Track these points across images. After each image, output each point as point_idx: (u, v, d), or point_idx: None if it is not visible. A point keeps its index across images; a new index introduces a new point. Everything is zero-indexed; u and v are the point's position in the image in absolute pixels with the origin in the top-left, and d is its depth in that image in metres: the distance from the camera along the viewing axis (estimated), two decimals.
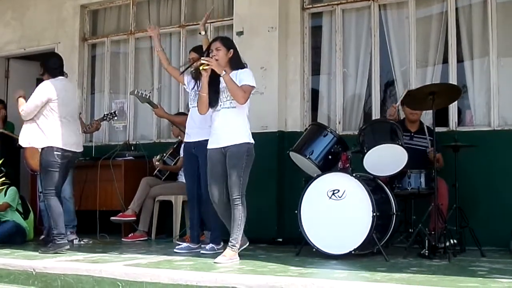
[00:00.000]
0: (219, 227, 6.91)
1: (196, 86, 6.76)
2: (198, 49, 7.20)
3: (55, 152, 7.07)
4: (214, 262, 5.97)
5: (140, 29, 10.07)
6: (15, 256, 6.67)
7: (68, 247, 7.05)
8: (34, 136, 7.16)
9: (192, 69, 6.75)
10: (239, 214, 6.19)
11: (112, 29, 10.43)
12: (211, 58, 6.26)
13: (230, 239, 6.21)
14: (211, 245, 6.88)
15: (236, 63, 6.41)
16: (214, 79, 6.29)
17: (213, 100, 6.33)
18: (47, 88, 7.20)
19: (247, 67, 6.47)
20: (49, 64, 7.41)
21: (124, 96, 10.08)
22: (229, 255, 6.11)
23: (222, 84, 6.29)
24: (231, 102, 6.28)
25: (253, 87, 6.32)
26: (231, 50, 6.37)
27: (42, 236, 8.39)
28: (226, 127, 6.29)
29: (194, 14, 9.68)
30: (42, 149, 7.12)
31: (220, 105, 6.32)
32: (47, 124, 7.13)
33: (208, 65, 6.20)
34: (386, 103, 8.43)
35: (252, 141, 6.34)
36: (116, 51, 10.40)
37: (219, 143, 6.32)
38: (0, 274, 6.04)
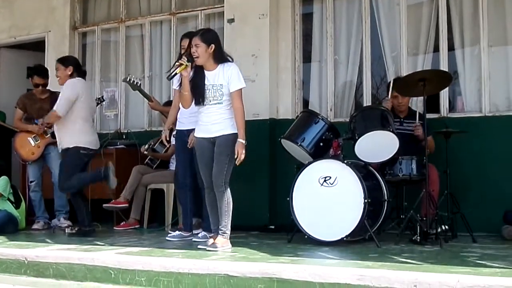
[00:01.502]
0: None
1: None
2: (189, 35, 7.14)
3: (81, 152, 7.42)
4: (207, 250, 5.97)
5: (131, 17, 10.04)
6: (7, 245, 6.67)
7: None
8: (66, 136, 7.46)
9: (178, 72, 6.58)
10: (225, 201, 6.17)
11: (103, 17, 10.39)
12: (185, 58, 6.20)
13: (220, 226, 6.20)
14: (203, 233, 6.88)
15: (220, 57, 6.27)
16: (200, 78, 6.24)
17: (199, 98, 6.25)
18: (77, 86, 7.50)
19: (232, 61, 6.34)
20: (76, 63, 7.70)
21: (115, 85, 10.06)
22: (221, 243, 6.11)
23: (209, 82, 6.21)
24: (217, 101, 6.20)
25: (242, 88, 6.24)
26: (212, 45, 6.17)
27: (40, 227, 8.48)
28: (215, 121, 6.24)
29: (184, 1, 9.65)
30: (68, 149, 7.39)
31: (206, 102, 6.23)
32: (73, 123, 7.42)
33: (186, 66, 6.13)
34: (378, 90, 8.44)
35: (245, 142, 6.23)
36: (107, 40, 10.36)
37: (208, 134, 6.29)
38: None
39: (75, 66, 7.60)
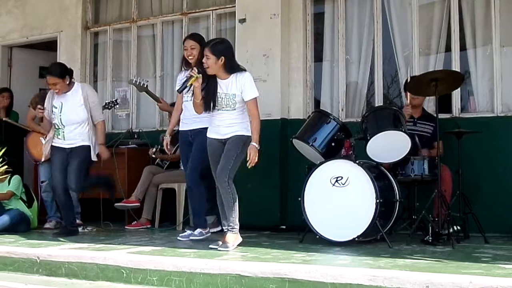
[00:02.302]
0: (204, 212, 7.00)
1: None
2: (192, 37, 7.19)
3: (96, 152, 7.59)
4: (219, 250, 5.99)
5: (143, 17, 10.07)
6: (19, 244, 6.68)
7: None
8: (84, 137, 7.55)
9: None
10: (230, 197, 6.18)
11: (115, 17, 10.42)
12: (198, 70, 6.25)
13: (228, 223, 6.23)
14: (198, 230, 6.92)
15: (231, 67, 6.28)
16: (212, 85, 6.27)
17: (210, 105, 6.28)
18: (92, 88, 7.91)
19: (245, 71, 6.36)
20: (66, 69, 7.62)
21: (127, 84, 10.06)
22: (231, 239, 6.14)
23: (222, 91, 6.25)
24: (230, 106, 6.25)
25: (257, 96, 6.29)
26: (222, 58, 6.18)
27: (53, 226, 8.54)
28: (227, 125, 6.30)
29: (196, 1, 9.67)
30: (84, 147, 7.50)
31: (219, 110, 6.29)
32: (90, 124, 7.56)
33: (197, 78, 6.18)
34: (389, 90, 8.43)
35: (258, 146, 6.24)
36: (119, 39, 10.39)
37: (219, 135, 6.34)
38: (5, 262, 6.06)
39: (69, 73, 7.59)
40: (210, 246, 6.19)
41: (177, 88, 6.83)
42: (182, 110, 7.15)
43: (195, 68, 6.29)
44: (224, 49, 6.27)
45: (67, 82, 7.46)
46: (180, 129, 7.22)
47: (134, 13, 10.16)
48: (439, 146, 6.78)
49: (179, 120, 7.25)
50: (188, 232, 7.13)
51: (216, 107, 6.27)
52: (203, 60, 6.25)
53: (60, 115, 7.44)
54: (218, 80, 6.26)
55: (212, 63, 6.18)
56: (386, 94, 8.42)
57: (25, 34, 10.88)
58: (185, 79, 6.42)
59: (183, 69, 7.22)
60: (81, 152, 7.47)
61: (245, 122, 6.30)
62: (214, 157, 6.37)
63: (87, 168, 7.56)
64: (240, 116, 6.29)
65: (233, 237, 6.18)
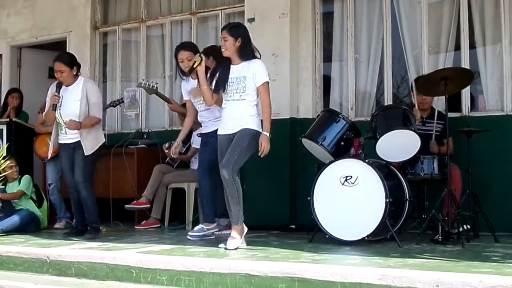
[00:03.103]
0: (209, 205, 7.04)
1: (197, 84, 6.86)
2: (187, 47, 7.23)
3: (101, 149, 7.55)
4: (225, 249, 6.00)
5: (152, 17, 10.08)
6: (29, 244, 6.70)
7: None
8: (94, 141, 7.41)
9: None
10: (234, 191, 6.17)
11: (124, 17, 10.44)
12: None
13: (232, 217, 6.26)
14: (200, 225, 6.98)
15: (246, 52, 6.36)
16: (225, 68, 6.36)
17: (220, 86, 6.38)
18: (96, 85, 7.77)
19: (259, 57, 6.43)
20: (76, 60, 7.52)
21: (136, 86, 10.07)
22: (237, 233, 6.17)
23: (232, 75, 6.31)
24: (240, 95, 6.29)
25: (268, 82, 6.33)
26: (239, 39, 6.31)
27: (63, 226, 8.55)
28: (235, 118, 6.31)
29: (205, 1, 9.67)
30: (92, 149, 7.36)
31: (230, 96, 6.34)
32: (98, 126, 7.46)
33: (200, 63, 6.33)
34: (399, 89, 8.42)
35: (261, 130, 6.26)
36: (128, 39, 10.40)
37: (228, 131, 6.36)
38: (15, 262, 6.08)
39: (78, 65, 7.48)
40: (220, 246, 6.20)
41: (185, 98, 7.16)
42: (194, 115, 7.20)
43: (197, 55, 6.40)
44: (241, 31, 6.42)
45: (74, 73, 7.35)
46: (202, 132, 7.27)
47: (143, 13, 10.17)
48: (449, 144, 6.78)
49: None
50: (198, 227, 7.15)
51: (226, 93, 6.32)
52: (221, 43, 6.35)
53: (60, 109, 7.30)
54: (232, 66, 6.35)
55: (230, 45, 6.30)
56: (395, 93, 8.40)
57: (34, 35, 10.91)
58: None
59: (182, 78, 7.27)
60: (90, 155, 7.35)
61: (255, 117, 6.31)
62: (221, 156, 6.37)
63: (94, 161, 7.45)
64: (251, 109, 6.31)
65: (238, 230, 6.20)
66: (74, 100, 7.29)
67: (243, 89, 6.27)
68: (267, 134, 6.18)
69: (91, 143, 7.32)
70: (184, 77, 7.19)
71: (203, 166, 7.06)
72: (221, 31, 6.46)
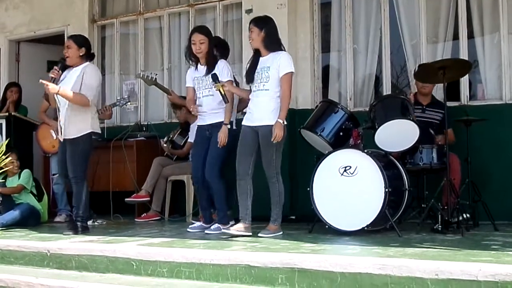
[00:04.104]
0: (225, 207, 6.97)
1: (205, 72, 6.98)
2: (202, 30, 7.18)
3: (93, 137, 7.22)
4: (258, 236, 6.26)
5: (149, 10, 10.06)
6: (30, 238, 6.71)
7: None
8: (80, 123, 7.12)
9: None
10: (276, 191, 6.48)
11: (121, 10, 10.42)
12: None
13: (272, 214, 6.49)
14: (216, 225, 6.88)
15: (270, 43, 6.56)
16: (255, 60, 6.60)
17: (248, 76, 6.64)
18: (98, 72, 7.43)
19: (284, 50, 6.61)
20: (88, 45, 7.42)
21: (135, 77, 10.07)
22: (272, 229, 6.42)
23: (260, 66, 6.50)
24: (264, 85, 6.46)
25: (292, 73, 6.50)
26: (264, 30, 6.51)
27: (63, 219, 8.52)
28: (260, 109, 6.48)
29: None
30: (82, 135, 7.09)
31: (256, 86, 6.51)
32: (85, 110, 7.12)
33: (222, 86, 6.66)
34: (398, 79, 8.41)
35: (285, 122, 6.41)
36: (126, 32, 10.39)
37: (252, 122, 6.52)
38: (15, 255, 6.09)
39: (88, 48, 7.34)
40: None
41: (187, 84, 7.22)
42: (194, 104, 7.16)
43: (213, 83, 6.71)
44: (266, 23, 6.61)
45: (80, 54, 7.20)
46: (198, 124, 7.20)
47: (140, 6, 10.15)
48: (449, 133, 6.79)
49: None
50: (198, 223, 7.14)
51: (253, 84, 6.56)
52: (249, 35, 6.61)
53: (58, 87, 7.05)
54: (260, 58, 6.57)
55: (255, 35, 6.53)
56: (394, 83, 8.41)
57: (32, 29, 10.89)
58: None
59: (190, 64, 7.21)
60: (78, 141, 7.08)
61: (277, 110, 6.42)
62: (241, 146, 6.55)
63: (85, 156, 7.15)
64: (274, 102, 6.44)
65: (274, 228, 6.45)
66: (70, 82, 7.10)
67: (267, 78, 6.45)
68: (281, 122, 6.31)
69: (76, 126, 7.06)
70: (192, 62, 7.15)
71: (213, 168, 6.92)
72: (250, 24, 6.66)
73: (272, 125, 6.34)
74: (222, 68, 6.92)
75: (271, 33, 6.57)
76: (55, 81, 7.11)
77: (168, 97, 8.15)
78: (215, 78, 6.71)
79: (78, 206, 7.14)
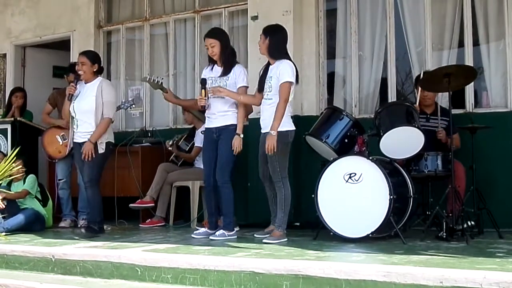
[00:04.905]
0: (232, 213, 6.94)
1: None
2: (211, 34, 7.16)
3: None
4: (263, 242, 6.30)
5: (155, 16, 10.08)
6: (34, 243, 6.70)
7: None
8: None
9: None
10: (281, 196, 6.56)
11: (127, 15, 10.44)
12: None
13: (276, 219, 6.58)
14: (221, 231, 6.86)
15: (273, 52, 6.68)
16: (265, 69, 6.76)
17: (259, 85, 6.82)
18: (113, 87, 7.87)
19: (288, 59, 6.67)
20: (100, 60, 7.68)
21: (140, 83, 10.09)
22: (277, 235, 6.45)
23: (268, 75, 6.63)
24: (267, 95, 6.65)
25: (290, 82, 6.55)
26: (268, 38, 6.68)
27: (67, 224, 8.56)
28: (265, 117, 6.68)
29: None
30: (100, 143, 7.34)
31: (264, 95, 6.70)
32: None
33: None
34: (403, 86, 8.41)
35: (289, 128, 6.58)
36: (131, 38, 10.41)
37: (263, 129, 6.69)
38: (20, 261, 6.08)
39: (99, 64, 7.58)
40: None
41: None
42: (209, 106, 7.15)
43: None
44: (272, 31, 6.80)
45: (94, 70, 7.44)
46: (206, 126, 7.18)
47: (146, 12, 10.18)
48: (456, 138, 6.78)
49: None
50: (203, 230, 7.13)
51: (262, 92, 6.74)
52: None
53: (74, 103, 7.39)
54: (270, 66, 6.73)
55: (261, 42, 6.75)
56: (400, 90, 8.40)
57: (38, 34, 10.92)
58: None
59: (208, 64, 7.23)
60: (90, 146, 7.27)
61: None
62: (261, 156, 6.79)
63: (102, 162, 7.43)
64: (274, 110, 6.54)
65: (278, 234, 6.48)
66: (89, 95, 7.35)
67: (269, 88, 6.62)
68: (272, 133, 6.41)
69: (100, 139, 7.35)
70: (211, 64, 7.16)
71: (224, 172, 6.89)
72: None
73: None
74: (239, 73, 6.92)
75: (277, 41, 6.68)
76: (72, 96, 7.42)
77: (163, 94, 8.00)
78: (203, 83, 6.91)
79: (93, 210, 7.38)
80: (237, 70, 6.94)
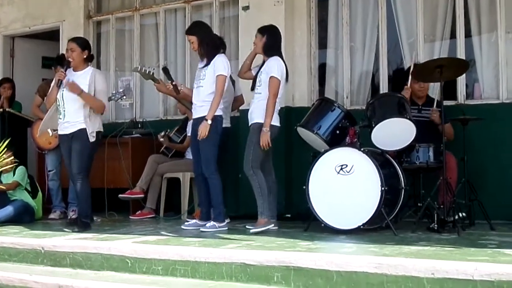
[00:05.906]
0: (222, 204, 6.91)
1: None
2: (188, 30, 7.27)
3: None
4: (247, 228, 6.52)
5: (145, 6, 10.04)
6: (24, 235, 6.69)
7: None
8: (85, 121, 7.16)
9: None
10: (255, 184, 6.65)
11: (117, 6, 10.39)
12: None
13: (258, 207, 6.65)
14: (212, 222, 6.84)
15: (268, 50, 6.89)
16: (260, 66, 6.92)
17: (253, 85, 6.98)
18: (105, 76, 7.75)
19: (278, 55, 6.87)
20: (90, 48, 7.50)
21: (130, 74, 10.05)
22: (262, 223, 6.54)
23: (260, 70, 6.82)
24: (257, 89, 6.85)
25: (278, 79, 6.70)
26: (265, 36, 6.92)
27: (57, 216, 8.50)
28: (252, 109, 6.87)
29: None
30: (91, 132, 7.14)
31: (255, 89, 6.90)
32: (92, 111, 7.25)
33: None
34: (395, 77, 8.40)
35: (273, 123, 6.71)
36: (121, 28, 10.36)
37: (250, 121, 6.88)
38: (9, 253, 6.07)
39: (89, 51, 7.38)
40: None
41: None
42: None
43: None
44: (267, 30, 7.04)
45: (83, 57, 7.24)
46: (193, 117, 7.15)
47: (136, 2, 10.12)
48: (448, 127, 6.77)
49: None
50: (193, 221, 7.11)
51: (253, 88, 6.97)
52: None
53: (62, 90, 7.10)
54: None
55: (258, 41, 6.97)
56: (391, 81, 8.36)
57: (27, 24, 10.85)
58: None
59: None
60: (81, 136, 7.08)
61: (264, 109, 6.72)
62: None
63: (91, 154, 7.22)
64: (262, 103, 6.70)
65: (263, 221, 6.55)
66: (80, 84, 7.10)
67: (259, 83, 6.81)
68: (265, 130, 6.62)
69: (90, 128, 7.14)
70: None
71: (209, 164, 6.87)
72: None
73: (255, 123, 6.72)
74: (219, 63, 6.88)
75: (271, 40, 6.92)
76: (61, 83, 7.14)
77: (155, 84, 7.94)
78: (166, 72, 7.35)
79: (83, 204, 7.23)
80: (217, 60, 6.90)
